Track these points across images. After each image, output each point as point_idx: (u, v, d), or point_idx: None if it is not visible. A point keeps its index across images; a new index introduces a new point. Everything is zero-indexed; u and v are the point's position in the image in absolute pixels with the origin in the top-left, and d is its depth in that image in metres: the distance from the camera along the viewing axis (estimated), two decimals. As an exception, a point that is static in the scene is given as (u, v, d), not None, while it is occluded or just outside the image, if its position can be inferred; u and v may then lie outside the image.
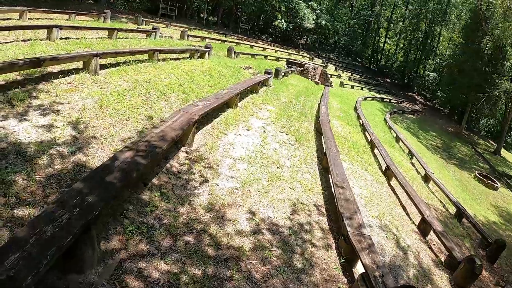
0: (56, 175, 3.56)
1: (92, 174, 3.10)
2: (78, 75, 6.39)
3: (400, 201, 7.41)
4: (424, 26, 48.93)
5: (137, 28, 16.99)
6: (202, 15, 38.61)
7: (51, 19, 13.80)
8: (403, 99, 42.20)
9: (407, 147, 15.36)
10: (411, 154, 14.50)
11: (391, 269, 4.52)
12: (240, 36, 34.22)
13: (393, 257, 4.85)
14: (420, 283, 4.69)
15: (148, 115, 5.75)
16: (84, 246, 2.55)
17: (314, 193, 5.58)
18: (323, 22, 43.49)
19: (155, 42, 13.87)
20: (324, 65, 36.59)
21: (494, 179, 21.37)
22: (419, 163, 13.21)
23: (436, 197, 10.32)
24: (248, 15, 45.34)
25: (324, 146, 7.53)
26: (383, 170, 8.82)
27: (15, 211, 2.95)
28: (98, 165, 3.45)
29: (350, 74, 41.47)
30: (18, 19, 11.74)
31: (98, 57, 6.77)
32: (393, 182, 8.29)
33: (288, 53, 34.84)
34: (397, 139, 16.75)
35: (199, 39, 20.52)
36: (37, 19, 13.03)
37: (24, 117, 4.46)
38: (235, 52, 16.78)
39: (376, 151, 10.44)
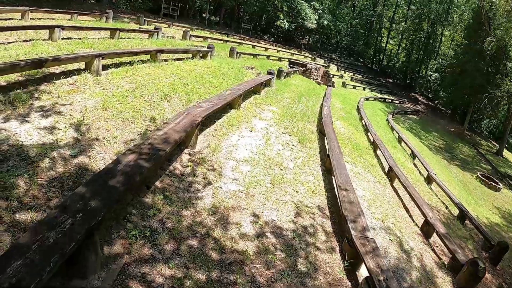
0: (58, 178, 3.53)
1: (95, 178, 3.06)
2: (80, 76, 6.36)
3: (403, 202, 7.36)
4: (426, 26, 48.76)
5: (139, 28, 16.96)
6: (204, 15, 38.60)
7: (53, 19, 13.76)
8: (405, 100, 42.09)
9: (409, 148, 15.30)
10: (413, 155, 14.44)
11: (395, 272, 4.49)
12: (242, 36, 34.17)
13: (396, 260, 4.81)
14: (424, 287, 4.65)
15: (151, 116, 5.72)
16: (87, 252, 2.52)
17: (317, 195, 5.54)
18: (325, 22, 43.39)
19: (158, 42, 13.85)
20: (326, 65, 36.50)
21: (497, 180, 21.28)
22: (422, 164, 13.16)
23: (439, 198, 10.26)
24: (250, 15, 45.29)
25: (327, 147, 7.49)
26: (386, 171, 8.78)
27: (17, 215, 2.92)
28: (101, 168, 3.43)
29: (352, 74, 41.34)
30: (20, 19, 11.70)
31: (100, 58, 6.75)
32: (396, 183, 8.24)
33: (290, 53, 34.78)
34: (400, 139, 16.70)
35: (201, 39, 20.49)
36: (39, 19, 13.01)
37: (26, 119, 4.44)
38: (237, 52, 16.74)
39: (378, 152, 10.39)
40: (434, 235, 6.26)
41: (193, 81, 8.45)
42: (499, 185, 20.51)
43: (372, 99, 30.41)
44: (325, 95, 15.70)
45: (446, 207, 9.67)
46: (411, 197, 7.36)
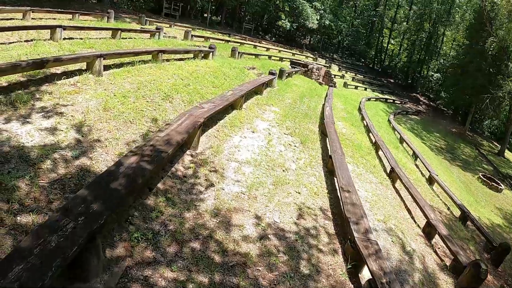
0: (60, 180, 3.51)
1: (96, 180, 3.05)
2: (81, 76, 6.35)
3: (405, 204, 7.34)
4: (428, 26, 48.68)
5: (141, 28, 16.93)
6: (205, 15, 38.55)
7: (54, 19, 13.76)
8: (407, 100, 42.04)
9: (411, 148, 15.25)
10: (415, 156, 14.40)
11: (397, 274, 4.47)
12: (244, 36, 34.13)
13: (398, 261, 4.79)
14: (426, 288, 4.64)
15: (153, 117, 5.70)
16: (89, 255, 2.50)
17: (319, 197, 5.52)
18: (327, 22, 43.29)
19: (159, 42, 13.83)
20: (327, 65, 36.43)
21: (498, 181, 21.24)
22: (423, 164, 13.11)
23: (441, 199, 10.23)
24: (252, 15, 45.26)
25: (329, 148, 7.47)
26: (388, 172, 8.75)
27: (18, 218, 2.90)
28: (103, 170, 3.41)
29: (354, 74, 41.29)
30: (21, 19, 11.68)
31: (102, 58, 6.73)
32: (398, 184, 8.22)
33: (292, 53, 34.76)
34: (401, 140, 16.65)
35: (203, 39, 20.47)
36: (40, 19, 13.00)
37: (27, 120, 4.42)
38: (239, 52, 16.72)
39: (380, 152, 10.37)
40: (436, 236, 6.25)
41: (195, 81, 8.43)
42: (500, 186, 20.47)
43: (374, 99, 30.36)
44: (326, 95, 15.67)
45: (448, 208, 9.64)
46: (413, 198, 7.34)
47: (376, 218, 5.61)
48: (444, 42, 51.98)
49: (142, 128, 5.23)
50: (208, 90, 8.23)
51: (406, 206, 7.23)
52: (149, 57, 9.07)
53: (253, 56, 19.68)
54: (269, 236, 4.07)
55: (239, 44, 23.58)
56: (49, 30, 9.39)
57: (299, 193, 5.37)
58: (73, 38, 10.40)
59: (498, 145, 35.46)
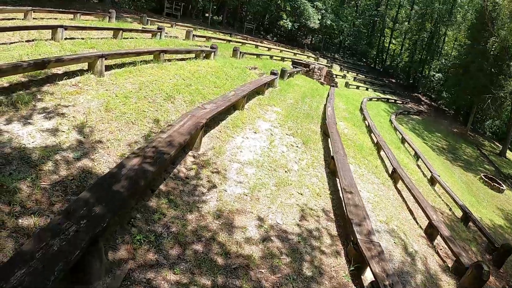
0: (61, 182, 3.49)
1: (99, 182, 3.02)
2: (83, 77, 6.33)
3: (407, 204, 7.32)
4: (430, 26, 48.60)
5: (142, 28, 16.92)
6: (207, 15, 38.53)
7: (55, 19, 13.76)
8: (408, 100, 41.98)
9: (413, 148, 15.21)
10: (417, 156, 14.36)
11: (399, 275, 4.45)
12: (245, 35, 34.14)
13: (401, 263, 4.77)
14: (428, 290, 4.62)
15: (155, 118, 5.68)
16: (92, 259, 2.48)
17: (322, 198, 5.50)
18: (328, 22, 43.28)
19: (161, 42, 13.81)
20: (329, 65, 36.45)
21: (500, 182, 21.20)
22: (425, 165, 13.08)
23: (442, 200, 10.20)
24: (253, 15, 45.28)
25: (331, 149, 7.45)
26: (390, 172, 8.73)
27: (20, 220, 2.89)
28: (105, 172, 3.39)
29: (355, 74, 41.27)
30: (22, 19, 11.69)
31: (104, 58, 6.71)
32: (400, 185, 8.19)
33: (293, 53, 34.75)
34: (403, 140, 16.62)
35: (205, 39, 20.46)
36: (42, 19, 13.00)
37: (29, 121, 4.40)
38: (240, 52, 16.70)
39: (382, 153, 10.34)
40: (438, 237, 6.23)
41: (197, 81, 8.41)
42: (502, 186, 20.44)
43: (375, 99, 30.31)
44: (328, 95, 15.64)
45: (450, 209, 9.62)
46: (415, 199, 7.32)
47: (378, 219, 5.59)
48: (445, 42, 51.86)
49: (144, 129, 5.22)
50: (210, 90, 8.21)
51: (408, 207, 7.21)
52: (151, 57, 9.05)
53: (255, 56, 19.66)
54: (272, 238, 4.05)
55: (240, 44, 23.57)
56: (50, 30, 9.39)
57: (301, 194, 5.34)
58: (75, 38, 10.39)
59: (499, 146, 35.40)
